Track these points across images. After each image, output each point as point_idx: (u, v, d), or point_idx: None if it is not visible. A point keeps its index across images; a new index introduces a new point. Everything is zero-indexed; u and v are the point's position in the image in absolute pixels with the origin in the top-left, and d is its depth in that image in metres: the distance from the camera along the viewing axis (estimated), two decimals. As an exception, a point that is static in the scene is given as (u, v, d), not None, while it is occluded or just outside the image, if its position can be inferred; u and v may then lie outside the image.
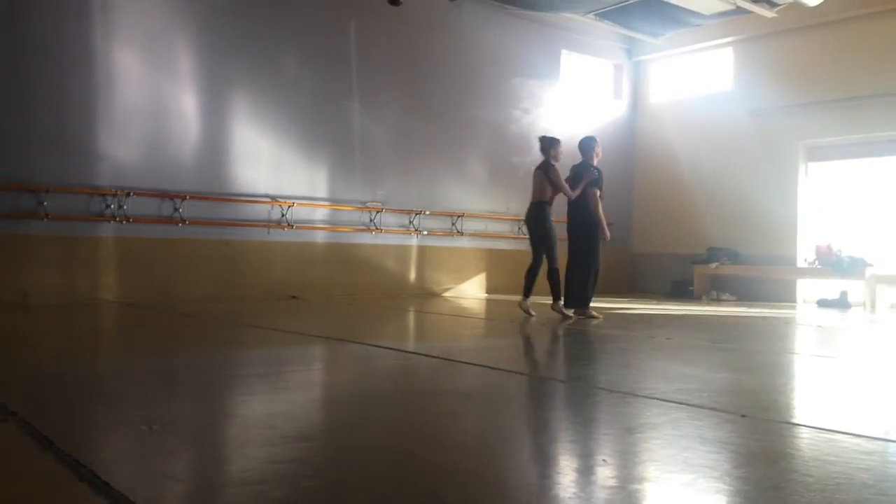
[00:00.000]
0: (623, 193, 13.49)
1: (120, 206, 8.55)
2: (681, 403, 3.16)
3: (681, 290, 12.52)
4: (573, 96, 13.12)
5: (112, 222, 8.52)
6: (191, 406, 3.20)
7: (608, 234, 7.74)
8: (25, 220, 7.99)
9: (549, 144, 7.63)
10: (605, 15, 12.18)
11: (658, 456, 2.42)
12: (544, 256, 7.52)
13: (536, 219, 7.58)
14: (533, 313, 7.47)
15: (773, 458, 2.40)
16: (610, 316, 7.92)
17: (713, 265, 12.20)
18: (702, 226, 12.80)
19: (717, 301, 11.68)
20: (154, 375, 3.95)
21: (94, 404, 3.19)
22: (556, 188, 7.50)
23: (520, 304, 7.57)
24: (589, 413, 3.19)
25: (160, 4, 9.01)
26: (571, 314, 7.49)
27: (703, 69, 13.38)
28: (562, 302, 7.49)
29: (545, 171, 7.53)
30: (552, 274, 7.45)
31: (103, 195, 8.47)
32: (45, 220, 8.05)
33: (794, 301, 11.84)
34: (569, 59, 13.22)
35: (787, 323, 8.16)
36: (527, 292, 7.56)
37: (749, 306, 10.46)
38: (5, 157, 7.91)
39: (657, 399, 3.26)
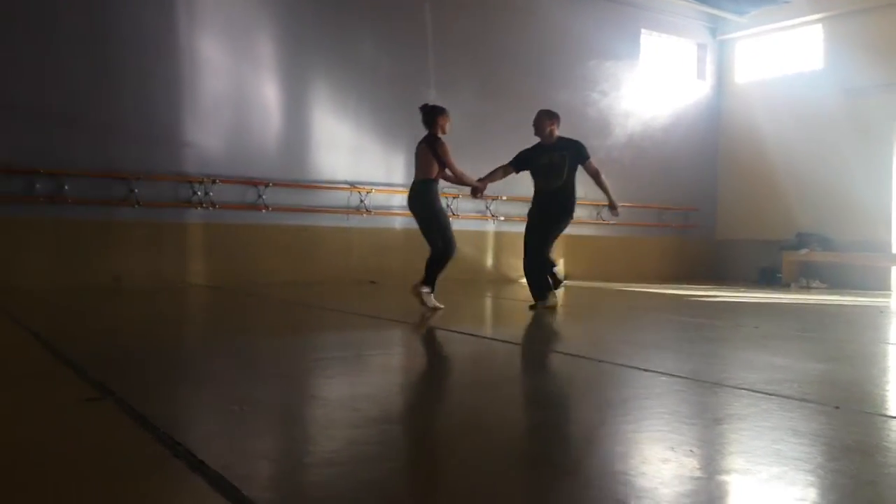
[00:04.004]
0: (707, 178, 13.12)
1: (206, 193, 8.83)
2: (770, 394, 3.06)
3: (768, 278, 12.14)
4: (654, 77, 12.81)
5: (199, 209, 8.80)
6: (277, 387, 3.29)
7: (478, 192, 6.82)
8: (117, 206, 8.35)
9: (435, 113, 6.47)
10: (687, -7, 11.86)
11: (747, 447, 2.35)
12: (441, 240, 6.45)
13: (421, 199, 6.49)
14: (440, 305, 6.32)
15: (869, 452, 2.31)
16: (693, 304, 7.74)
17: (803, 251, 11.77)
18: (791, 211, 12.35)
19: (807, 289, 11.27)
20: (241, 357, 4.07)
21: (185, 384, 3.32)
22: (442, 164, 6.45)
23: (415, 290, 6.38)
24: (674, 403, 3.12)
25: (243, -5, 9.22)
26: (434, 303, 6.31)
27: (791, 47, 12.85)
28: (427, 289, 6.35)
29: (430, 145, 6.45)
30: (437, 260, 6.45)
31: (190, 182, 8.76)
32: (135, 206, 8.39)
33: (889, 289, 11.31)
34: (649, 39, 12.90)
35: (882, 312, 7.80)
36: (427, 281, 6.41)
37: (841, 294, 10.05)
38: (99, 147, 8.27)
39: (745, 389, 3.17)
